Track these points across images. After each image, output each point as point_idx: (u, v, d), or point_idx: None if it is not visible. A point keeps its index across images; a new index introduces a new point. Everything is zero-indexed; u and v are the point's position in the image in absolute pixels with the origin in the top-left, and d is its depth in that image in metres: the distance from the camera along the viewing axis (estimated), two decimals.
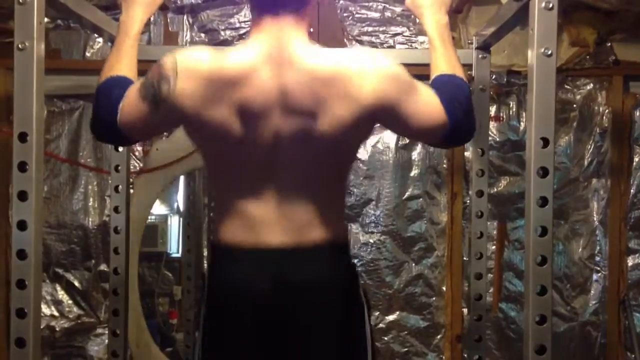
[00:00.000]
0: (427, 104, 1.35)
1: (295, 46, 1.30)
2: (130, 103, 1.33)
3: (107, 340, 2.83)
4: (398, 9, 2.90)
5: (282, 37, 1.30)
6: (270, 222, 1.36)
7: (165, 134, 2.77)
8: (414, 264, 2.95)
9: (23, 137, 1.37)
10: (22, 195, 1.37)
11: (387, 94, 1.30)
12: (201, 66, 1.28)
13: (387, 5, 2.91)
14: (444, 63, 1.47)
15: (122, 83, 1.38)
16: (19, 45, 1.37)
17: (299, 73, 1.28)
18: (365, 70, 1.29)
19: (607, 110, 2.92)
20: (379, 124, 1.39)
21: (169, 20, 2.94)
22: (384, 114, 1.33)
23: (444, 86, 1.41)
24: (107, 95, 1.37)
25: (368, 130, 1.40)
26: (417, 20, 1.60)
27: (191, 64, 1.29)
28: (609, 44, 2.87)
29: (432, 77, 1.47)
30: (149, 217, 3.07)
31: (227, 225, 1.39)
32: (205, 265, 3.47)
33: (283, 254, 1.36)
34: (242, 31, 2.94)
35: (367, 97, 1.29)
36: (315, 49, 1.33)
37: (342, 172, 1.46)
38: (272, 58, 1.29)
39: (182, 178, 3.27)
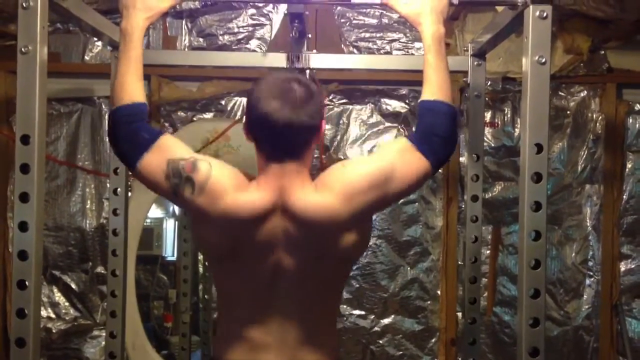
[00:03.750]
0: (407, 171, 1.45)
1: (296, 194, 1.41)
2: (153, 167, 1.42)
3: (103, 342, 2.83)
4: (395, 16, 2.92)
5: (286, 185, 1.41)
6: (268, 346, 1.47)
7: None
8: (409, 268, 2.97)
9: (25, 139, 1.38)
10: (24, 197, 1.38)
11: (373, 200, 1.43)
12: (224, 196, 1.39)
13: (385, 12, 2.94)
14: (433, 82, 1.51)
15: (143, 117, 1.46)
16: (22, 49, 1.38)
17: (299, 222, 1.40)
18: (350, 198, 1.40)
19: (600, 117, 2.95)
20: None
21: (167, 24, 2.96)
22: (377, 209, 1.50)
23: (424, 117, 1.49)
24: (132, 132, 1.44)
25: (367, 229, 1.52)
26: (414, 28, 1.62)
27: (218, 188, 1.40)
28: (603, 52, 2.90)
29: (420, 98, 1.52)
30: (145, 221, 3.07)
31: (228, 346, 1.50)
32: (201, 269, 3.49)
33: None
34: (240, 36, 2.96)
35: (358, 215, 1.42)
36: (312, 190, 1.42)
37: (338, 293, 1.61)
38: (277, 207, 1.41)
39: None
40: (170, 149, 1.43)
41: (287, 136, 1.40)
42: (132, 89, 1.47)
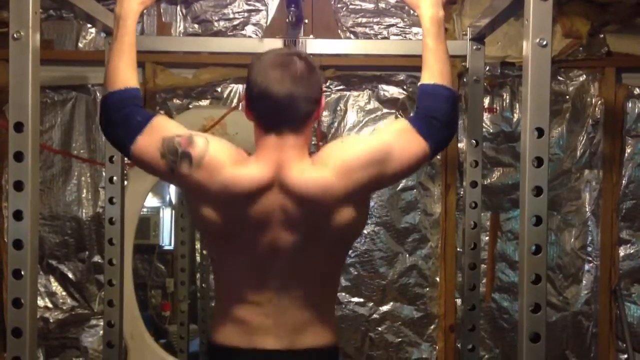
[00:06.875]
0: (405, 152, 1.44)
1: (293, 168, 1.41)
2: (148, 147, 1.41)
3: (101, 332, 2.84)
4: (392, 0, 2.90)
5: (283, 159, 1.41)
6: (266, 329, 1.47)
7: None
8: (407, 255, 2.97)
9: (19, 127, 1.37)
10: (18, 185, 1.36)
11: (370, 177, 1.42)
12: (222, 169, 1.39)
13: None
14: (432, 66, 1.51)
15: (136, 102, 1.45)
16: (14, 35, 1.36)
17: (295, 197, 1.40)
18: (347, 174, 1.40)
19: (599, 102, 2.93)
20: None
21: (162, 10, 2.93)
22: (374, 188, 1.49)
23: (424, 101, 1.49)
24: (125, 116, 1.43)
25: (364, 209, 1.50)
26: (412, 12, 1.60)
27: (216, 162, 1.39)
28: (602, 36, 2.88)
29: (420, 81, 1.52)
30: (142, 210, 3.06)
31: (226, 329, 1.51)
32: (198, 257, 3.48)
33: (276, 356, 1.48)
34: (235, 22, 2.93)
35: (354, 192, 1.41)
36: (309, 164, 1.42)
37: (336, 275, 1.59)
38: (275, 182, 1.41)
39: None
40: (164, 128, 1.42)
41: (287, 107, 1.39)
42: (125, 75, 1.46)
